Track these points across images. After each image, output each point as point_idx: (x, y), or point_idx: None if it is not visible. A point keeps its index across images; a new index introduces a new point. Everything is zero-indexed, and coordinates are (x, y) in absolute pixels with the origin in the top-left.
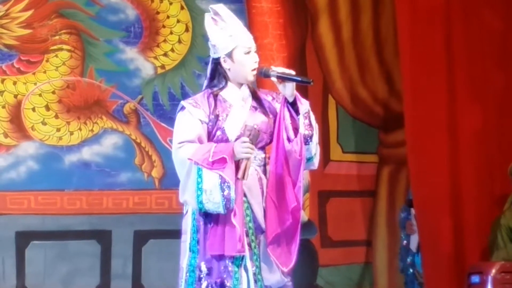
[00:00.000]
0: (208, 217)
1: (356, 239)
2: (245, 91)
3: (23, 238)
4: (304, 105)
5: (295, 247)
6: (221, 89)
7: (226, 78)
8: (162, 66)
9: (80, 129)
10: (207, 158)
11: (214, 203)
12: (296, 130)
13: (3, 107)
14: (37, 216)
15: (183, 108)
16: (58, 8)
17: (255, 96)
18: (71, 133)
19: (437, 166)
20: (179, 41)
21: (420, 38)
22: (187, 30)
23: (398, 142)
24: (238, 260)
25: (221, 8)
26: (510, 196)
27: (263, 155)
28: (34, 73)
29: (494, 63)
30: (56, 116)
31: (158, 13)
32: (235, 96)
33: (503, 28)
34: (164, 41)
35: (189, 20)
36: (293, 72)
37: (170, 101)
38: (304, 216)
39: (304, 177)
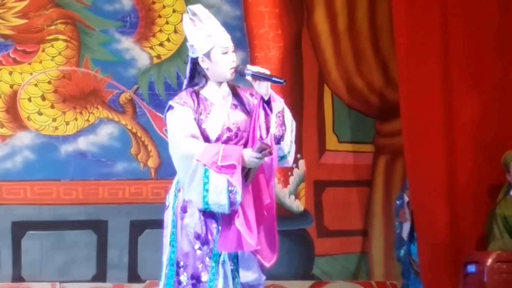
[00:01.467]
0: (191, 217)
1: (352, 229)
2: (225, 89)
3: (19, 228)
4: (278, 104)
5: (275, 242)
6: (202, 87)
7: (206, 77)
8: (158, 56)
9: (76, 119)
10: (215, 161)
11: (219, 205)
12: (268, 129)
13: None
14: (33, 206)
15: (171, 107)
16: None
17: (235, 94)
18: (67, 123)
19: (434, 156)
20: (175, 31)
21: (416, 28)
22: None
23: (394, 132)
24: (216, 256)
25: (199, 8)
26: (504, 186)
27: None
28: (30, 63)
29: (491, 52)
30: (52, 106)
31: (154, 3)
32: (216, 95)
33: (500, 16)
34: (160, 31)
35: (184, 10)
36: (267, 72)
37: (166, 91)
38: (299, 206)
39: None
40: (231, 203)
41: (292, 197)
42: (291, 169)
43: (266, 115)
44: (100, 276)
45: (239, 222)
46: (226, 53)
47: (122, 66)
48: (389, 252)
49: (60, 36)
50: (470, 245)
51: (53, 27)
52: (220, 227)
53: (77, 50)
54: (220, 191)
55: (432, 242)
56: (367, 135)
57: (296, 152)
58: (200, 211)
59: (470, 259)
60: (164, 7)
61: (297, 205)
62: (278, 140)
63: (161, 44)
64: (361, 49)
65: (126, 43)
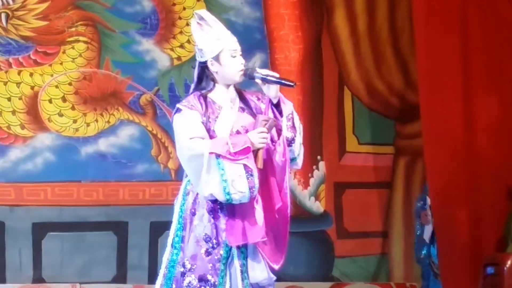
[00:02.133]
0: (201, 219)
1: (372, 230)
2: (232, 92)
3: (40, 230)
4: (287, 106)
5: (284, 245)
6: (210, 91)
7: (214, 81)
8: (178, 58)
9: (96, 120)
10: (228, 150)
11: (240, 193)
12: (279, 131)
13: (20, 98)
14: (54, 207)
15: (179, 110)
16: (75, 0)
17: (242, 97)
18: (88, 125)
19: (453, 157)
20: None
21: (436, 29)
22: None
23: (414, 133)
24: (225, 259)
25: (205, 13)
26: None
27: None
28: (50, 65)
29: (510, 53)
30: (73, 108)
31: (174, 4)
32: (224, 98)
33: None
34: (180, 32)
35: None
36: (276, 75)
37: (187, 93)
38: (319, 207)
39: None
40: (250, 188)
41: (312, 198)
42: (312, 170)
43: (275, 118)
44: (120, 277)
45: (259, 207)
46: (235, 56)
47: (142, 67)
48: (409, 253)
49: (81, 38)
50: (490, 246)
51: (73, 29)
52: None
53: (98, 51)
54: (239, 178)
55: (452, 243)
56: (387, 137)
57: (317, 154)
58: (210, 213)
59: (490, 260)
60: (184, 8)
61: (317, 206)
62: (290, 142)
63: (181, 46)
64: (381, 51)
65: (147, 45)
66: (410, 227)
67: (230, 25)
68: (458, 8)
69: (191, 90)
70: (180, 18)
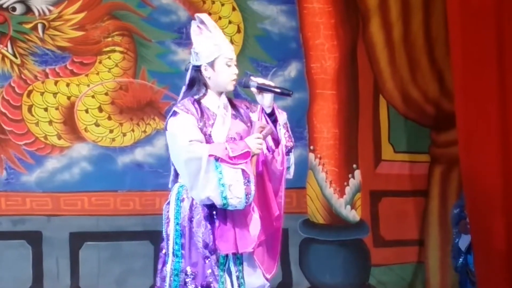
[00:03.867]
0: (198, 226)
1: (408, 239)
2: (224, 99)
3: (77, 239)
4: (282, 116)
5: (276, 254)
6: (203, 96)
7: (206, 86)
8: None
9: (132, 130)
10: (227, 154)
11: (237, 198)
12: (274, 140)
13: (57, 109)
14: (91, 217)
15: (175, 113)
16: (111, 10)
17: (232, 104)
18: (124, 134)
19: (489, 165)
20: (231, 42)
21: (471, 37)
22: (239, 31)
23: (450, 142)
24: (222, 265)
25: (206, 17)
26: None
27: None
28: (87, 75)
29: None
30: (109, 118)
31: (210, 14)
32: (217, 104)
33: None
34: None
35: (240, 21)
36: (272, 84)
37: None
38: (355, 215)
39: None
40: (247, 194)
41: (348, 207)
42: (347, 179)
43: None
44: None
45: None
46: (230, 65)
47: (178, 77)
48: (445, 261)
49: (117, 48)
50: None
51: (109, 39)
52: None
53: (134, 61)
54: (237, 183)
55: (488, 252)
56: (422, 145)
57: (352, 162)
58: (206, 219)
59: None
60: (220, 18)
61: (353, 215)
62: (288, 151)
63: None
64: (416, 59)
65: (182, 55)
66: (446, 235)
67: (266, 34)
68: (494, 15)
69: (181, 93)
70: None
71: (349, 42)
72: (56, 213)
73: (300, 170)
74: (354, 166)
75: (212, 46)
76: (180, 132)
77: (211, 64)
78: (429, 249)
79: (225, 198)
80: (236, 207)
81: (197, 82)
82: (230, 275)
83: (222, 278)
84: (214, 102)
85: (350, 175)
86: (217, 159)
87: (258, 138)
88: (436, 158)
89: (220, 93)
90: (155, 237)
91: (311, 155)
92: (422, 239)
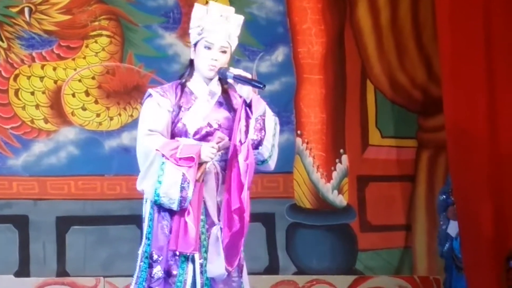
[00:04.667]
0: (164, 211)
1: (395, 224)
2: (215, 86)
3: (64, 223)
4: (260, 107)
5: (238, 251)
6: (188, 79)
7: (193, 69)
8: None
9: (119, 114)
10: (174, 154)
11: (170, 199)
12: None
13: (43, 93)
14: (78, 201)
15: (150, 95)
16: None
17: (225, 92)
18: (111, 119)
19: (477, 151)
20: None
21: (459, 23)
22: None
23: (437, 127)
24: None
25: (215, 5)
26: None
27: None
28: (73, 59)
29: None
30: (96, 102)
31: None
32: (202, 89)
33: None
34: None
35: (228, 5)
36: (249, 75)
37: None
38: (342, 200)
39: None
40: (182, 199)
41: (335, 192)
42: (334, 164)
43: (248, 118)
44: None
45: (190, 219)
46: (209, 48)
47: (165, 61)
48: (432, 246)
49: (104, 32)
50: None
51: (96, 23)
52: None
53: (121, 45)
54: (174, 184)
55: (475, 237)
56: (410, 130)
57: (339, 147)
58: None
59: None
60: (207, 2)
61: (340, 200)
62: (257, 145)
63: None
64: (404, 44)
65: (169, 39)
66: (433, 220)
67: (253, 19)
68: (482, 1)
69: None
70: None
71: (336, 27)
72: (43, 197)
73: (287, 155)
74: (341, 151)
75: (197, 28)
76: (144, 118)
77: (195, 45)
78: (416, 234)
79: (158, 195)
80: (169, 206)
81: (189, 65)
82: (193, 262)
83: (184, 264)
84: (199, 86)
85: (337, 160)
86: (163, 155)
87: (213, 147)
88: (423, 143)
89: (209, 80)
90: (141, 221)
91: (298, 140)
92: (409, 224)
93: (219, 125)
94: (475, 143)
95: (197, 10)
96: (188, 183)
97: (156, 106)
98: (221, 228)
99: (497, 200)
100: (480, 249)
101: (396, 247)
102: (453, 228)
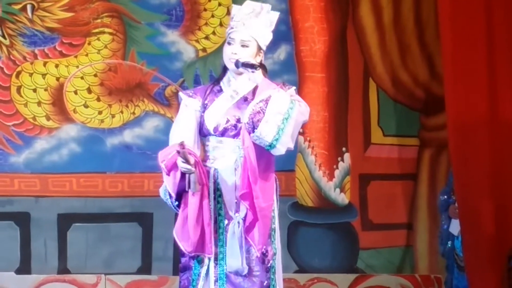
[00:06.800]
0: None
1: (397, 222)
2: (244, 82)
3: (65, 220)
4: (263, 93)
5: (254, 238)
6: (222, 76)
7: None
8: (204, 49)
9: (121, 112)
10: (163, 160)
11: (166, 199)
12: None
13: (46, 90)
14: (79, 198)
15: (181, 99)
16: None
17: (256, 88)
18: (113, 116)
19: (478, 149)
20: (221, 24)
21: (461, 21)
22: (228, 13)
23: (439, 125)
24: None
25: (249, 3)
26: None
27: None
28: (76, 56)
29: None
30: (98, 99)
31: None
32: (230, 86)
33: None
34: (206, 24)
35: (230, 3)
36: (254, 62)
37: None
38: (344, 199)
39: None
40: (172, 204)
41: (337, 190)
42: (337, 162)
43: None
44: (145, 268)
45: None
46: (230, 44)
47: (167, 59)
48: (434, 245)
49: (106, 29)
50: None
51: (99, 20)
52: None
53: (123, 43)
54: (165, 190)
55: (476, 236)
56: (412, 129)
57: (342, 146)
58: None
59: None
60: (209, 0)
61: (342, 198)
62: (253, 128)
63: (206, 38)
64: (406, 43)
65: (172, 36)
66: (435, 219)
67: None
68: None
69: None
70: (205, 9)
71: (338, 25)
72: (44, 194)
73: (289, 153)
74: (344, 149)
75: (228, 27)
76: (173, 127)
77: (224, 43)
78: (417, 232)
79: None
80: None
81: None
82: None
83: (199, 257)
84: (228, 83)
85: (339, 158)
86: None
87: (182, 161)
88: (425, 141)
89: (238, 74)
90: (143, 219)
91: (301, 138)
92: (411, 222)
93: (238, 120)
94: (477, 141)
95: (232, 11)
96: (168, 191)
97: (184, 107)
98: (238, 222)
99: (498, 199)
100: (482, 248)
101: (397, 245)
102: (454, 227)
